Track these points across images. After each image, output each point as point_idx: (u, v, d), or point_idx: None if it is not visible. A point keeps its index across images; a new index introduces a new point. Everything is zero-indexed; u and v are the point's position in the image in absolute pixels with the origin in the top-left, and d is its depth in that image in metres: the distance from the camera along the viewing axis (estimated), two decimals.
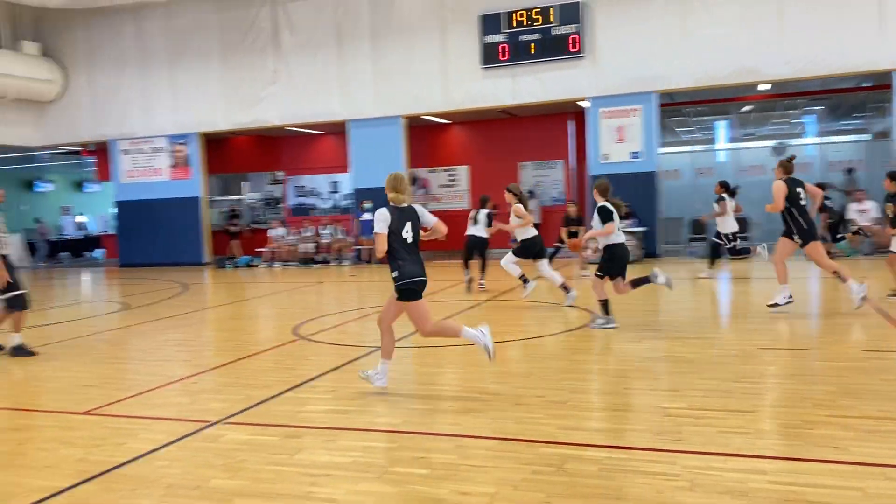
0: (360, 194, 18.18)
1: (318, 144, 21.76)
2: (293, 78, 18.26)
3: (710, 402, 5.03)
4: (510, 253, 10.40)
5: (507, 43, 16.44)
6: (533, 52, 16.31)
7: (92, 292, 15.66)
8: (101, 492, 3.89)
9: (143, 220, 20.15)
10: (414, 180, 20.10)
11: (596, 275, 8.02)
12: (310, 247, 18.64)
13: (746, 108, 20.26)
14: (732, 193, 12.24)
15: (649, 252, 15.78)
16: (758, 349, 6.70)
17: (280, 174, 22.58)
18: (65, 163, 28.36)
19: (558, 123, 19.23)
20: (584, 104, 16.83)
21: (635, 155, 16.18)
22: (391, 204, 5.54)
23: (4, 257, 7.73)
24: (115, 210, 21.14)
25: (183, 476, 4.06)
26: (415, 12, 17.18)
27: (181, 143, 19.68)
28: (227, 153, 22.45)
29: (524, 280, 10.31)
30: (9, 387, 6.63)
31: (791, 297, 8.35)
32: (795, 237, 8.21)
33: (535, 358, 6.84)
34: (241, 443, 4.59)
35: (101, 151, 22.27)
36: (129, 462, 4.32)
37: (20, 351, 7.87)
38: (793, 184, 8.17)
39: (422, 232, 5.61)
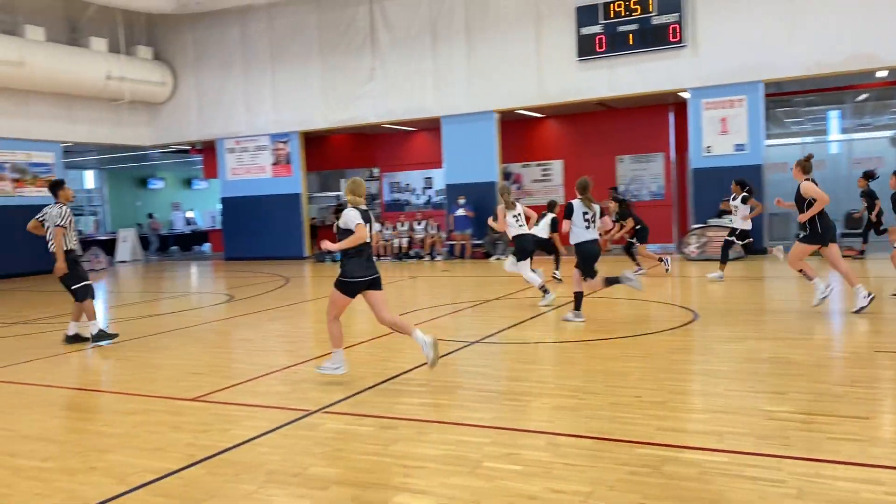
0: (454, 190, 18.28)
1: (413, 141, 22.03)
2: (389, 75, 18.55)
3: (819, 406, 4.78)
4: (512, 257, 10.24)
5: (604, 34, 16.12)
6: (631, 42, 15.93)
7: (199, 284, 16.44)
8: (206, 475, 4.07)
9: (247, 216, 20.98)
10: (507, 176, 20.03)
11: (576, 267, 8.41)
12: (403, 242, 18.91)
13: (862, 96, 19.09)
14: (751, 191, 11.90)
15: (756, 248, 15.02)
16: (872, 352, 6.31)
17: (375, 170, 23.01)
18: (175, 161, 29.89)
19: (657, 115, 18.72)
20: (684, 95, 16.30)
21: (740, 147, 15.55)
22: (353, 205, 5.94)
23: (71, 251, 8.32)
24: (221, 206, 22.11)
25: (283, 462, 4.20)
26: (510, 6, 17.11)
27: (282, 142, 20.36)
28: (325, 151, 23.07)
29: (544, 290, 9.87)
30: (124, 373, 7.05)
31: (829, 285, 8.37)
32: (812, 239, 8.25)
33: (633, 357, 6.68)
34: (339, 432, 4.71)
35: (208, 150, 23.34)
36: (233, 448, 4.51)
37: (101, 336, 8.41)
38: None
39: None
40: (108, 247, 23.48)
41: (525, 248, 10.08)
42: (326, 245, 5.96)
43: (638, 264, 12.93)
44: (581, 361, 6.51)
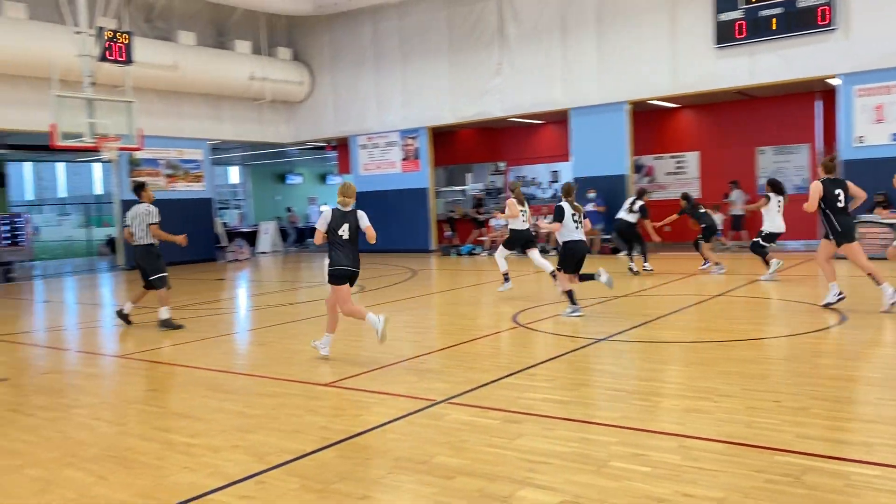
0: (582, 183, 17.97)
1: (540, 134, 21.86)
2: (516, 69, 18.49)
3: None
4: (501, 246, 11.07)
5: (745, 19, 15.29)
6: (774, 27, 15.02)
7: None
8: (339, 458, 4.24)
9: (377, 210, 21.51)
10: (639, 168, 19.47)
11: (556, 268, 9.06)
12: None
13: None
14: (781, 192, 11.75)
15: None
16: None
17: (502, 164, 23.02)
18: (311, 157, 31.24)
19: (803, 104, 17.57)
20: (833, 82, 15.19)
21: None
22: (337, 207, 6.87)
23: (151, 245, 9.35)
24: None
25: (410, 450, 4.30)
26: None
27: (411, 137, 20.78)
28: (452, 145, 23.33)
29: (506, 278, 10.88)
30: (264, 357, 7.46)
31: (842, 293, 8.38)
32: (831, 238, 8.36)
33: (772, 360, 6.33)
34: (464, 423, 4.77)
35: (341, 146, 24.21)
36: (363, 433, 4.67)
37: (167, 324, 9.19)
38: (831, 184, 8.32)
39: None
40: (251, 238, 24.91)
41: (518, 240, 10.91)
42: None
43: (713, 262, 12.92)
44: (715, 362, 6.23)
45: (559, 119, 19.52)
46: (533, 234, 11.37)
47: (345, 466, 4.10)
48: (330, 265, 6.91)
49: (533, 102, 18.38)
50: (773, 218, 11.63)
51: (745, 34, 15.33)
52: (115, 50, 13.57)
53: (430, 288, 12.96)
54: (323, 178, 36.76)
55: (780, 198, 11.69)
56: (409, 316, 9.75)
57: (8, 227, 18.50)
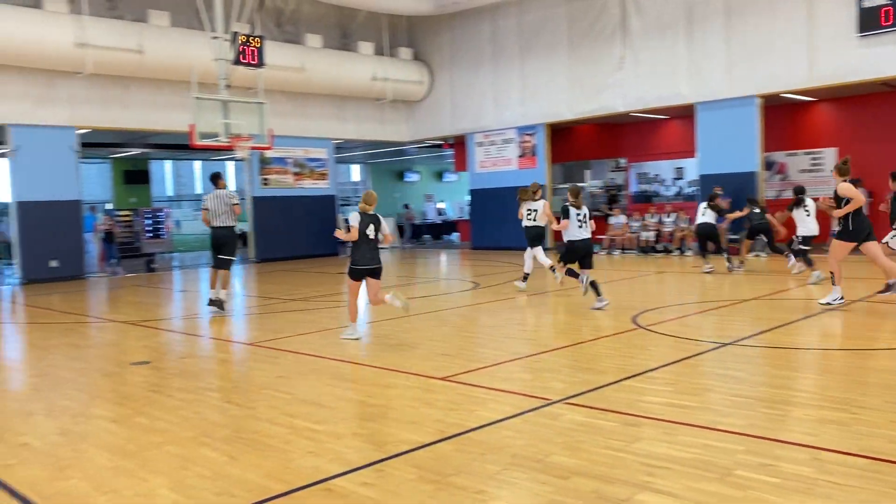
0: (708, 181, 17.28)
1: (663, 129, 21.19)
2: (639, 63, 18.01)
3: None
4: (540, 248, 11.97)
5: (893, 5, 14.18)
6: None
7: (448, 271, 17.31)
8: (455, 452, 4.29)
9: (494, 207, 21.64)
10: (770, 165, 18.50)
11: (559, 261, 9.96)
12: (651, 235, 18.29)
13: None
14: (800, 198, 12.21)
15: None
16: None
17: (622, 161, 22.49)
18: (429, 155, 31.72)
19: None
20: None
21: None
22: (361, 211, 7.79)
23: (233, 227, 10.41)
24: (469, 197, 23.05)
25: (526, 448, 4.29)
26: None
27: (529, 134, 20.68)
28: (570, 141, 23.01)
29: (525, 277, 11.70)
30: (383, 350, 7.65)
31: (842, 297, 8.65)
32: (845, 238, 8.56)
33: None
34: (580, 424, 4.70)
35: (458, 144, 24.42)
36: (479, 428, 4.70)
37: (219, 304, 10.19)
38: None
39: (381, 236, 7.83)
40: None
41: (535, 237, 11.79)
42: (338, 234, 7.85)
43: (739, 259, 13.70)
44: (853, 372, 5.84)
45: (684, 114, 18.85)
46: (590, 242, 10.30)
47: (461, 460, 4.15)
48: (351, 263, 7.87)
49: (656, 97, 17.84)
50: (805, 222, 12.18)
51: (892, 20, 14.22)
52: (248, 53, 14.32)
53: (546, 286, 12.86)
54: (440, 175, 37.25)
55: (808, 201, 12.27)
56: (523, 314, 9.72)
57: (150, 221, 19.93)
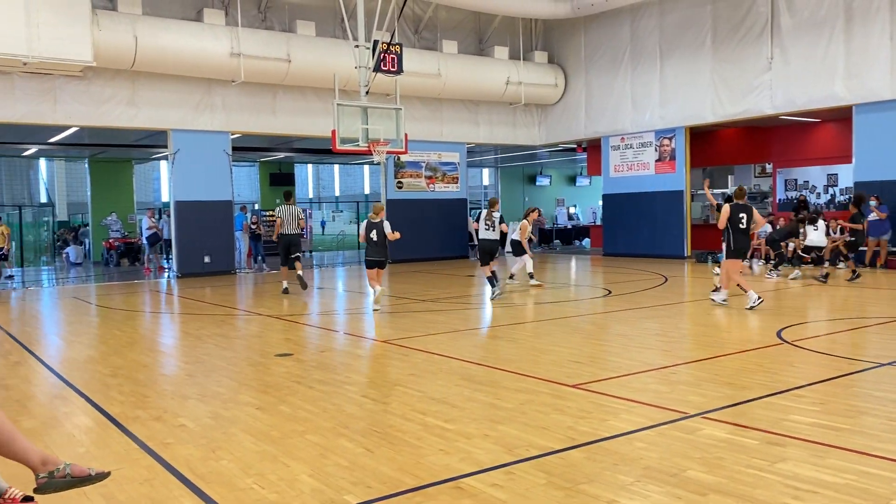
0: (865, 188, 16.05)
1: (814, 133, 19.89)
2: (789, 63, 16.99)
3: None
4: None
5: None
6: None
7: (579, 277, 17.05)
8: (586, 460, 4.23)
9: (628, 213, 21.12)
10: None
11: (479, 260, 12.42)
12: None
13: None
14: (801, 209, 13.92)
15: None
16: None
17: (768, 166, 21.31)
18: (561, 159, 31.41)
19: None
20: None
21: None
22: (369, 219, 11.03)
23: (298, 235, 13.88)
24: (602, 202, 22.61)
25: (660, 461, 4.16)
26: None
27: (668, 138, 20.03)
28: (712, 145, 22.05)
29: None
30: (514, 354, 7.66)
31: (726, 300, 10.37)
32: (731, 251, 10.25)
33: None
34: (719, 440, 4.50)
35: (592, 148, 24.03)
36: (610, 438, 4.61)
37: (302, 280, 13.49)
38: (737, 209, 10.07)
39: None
40: (500, 238, 25.66)
41: (491, 250, 12.68)
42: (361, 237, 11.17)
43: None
44: None
45: (839, 117, 17.63)
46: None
47: (591, 468, 4.08)
48: (365, 256, 11.26)
49: (809, 99, 16.76)
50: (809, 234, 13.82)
51: None
52: (388, 61, 14.76)
53: (683, 296, 12.40)
54: (572, 179, 36.77)
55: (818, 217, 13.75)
56: (660, 324, 9.41)
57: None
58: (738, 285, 10.41)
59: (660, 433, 4.70)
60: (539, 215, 29.83)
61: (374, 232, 10.78)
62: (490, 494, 3.75)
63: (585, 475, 3.98)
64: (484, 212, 12.68)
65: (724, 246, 10.44)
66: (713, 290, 11.08)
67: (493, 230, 12.50)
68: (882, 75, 15.51)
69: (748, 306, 9.91)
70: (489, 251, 12.40)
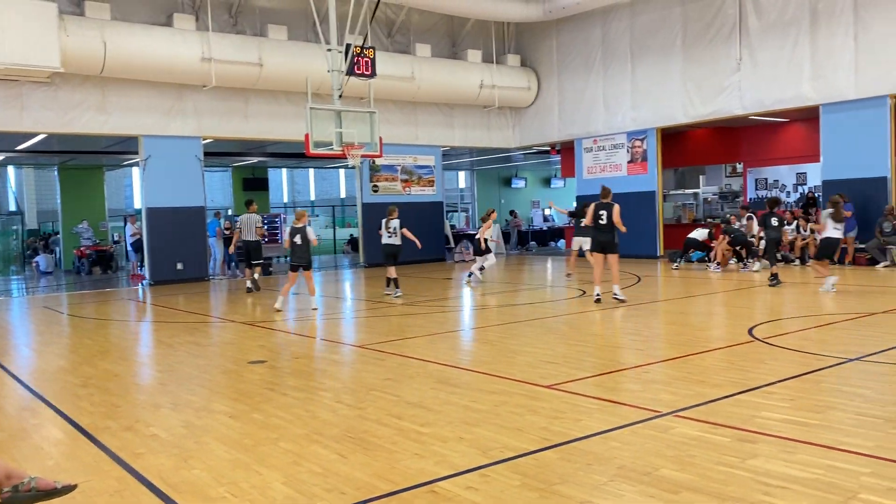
0: (832, 186, 16.33)
1: (783, 133, 20.20)
2: (758, 64, 17.24)
3: None
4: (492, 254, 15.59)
5: None
6: None
7: (554, 278, 17.13)
8: (560, 460, 4.25)
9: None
10: None
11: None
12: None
13: None
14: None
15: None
16: None
17: (739, 166, 21.60)
18: (536, 161, 31.56)
19: None
20: None
21: None
22: (293, 225, 11.65)
23: (259, 241, 14.55)
24: (576, 204, 22.74)
25: (633, 460, 4.20)
26: None
27: (639, 139, 20.21)
28: (683, 146, 22.31)
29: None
30: (488, 356, 7.68)
31: (598, 296, 11.05)
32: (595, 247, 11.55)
33: None
34: (691, 438, 4.55)
35: (566, 150, 24.18)
36: (584, 438, 4.64)
37: (256, 286, 14.73)
38: (598, 207, 11.33)
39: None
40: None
41: (392, 254, 13.55)
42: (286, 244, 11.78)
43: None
44: None
45: (806, 116, 17.93)
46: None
47: (566, 469, 4.10)
48: (290, 261, 11.80)
49: (777, 99, 17.02)
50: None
51: None
52: (362, 64, 14.73)
53: (656, 295, 12.51)
54: (547, 181, 36.97)
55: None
56: (633, 323, 9.49)
57: (267, 227, 20.82)
58: (598, 278, 11.39)
59: (633, 432, 4.74)
60: (515, 217, 30.05)
61: (298, 236, 11.39)
62: (465, 497, 3.75)
63: (559, 476, 3.99)
64: (384, 220, 13.58)
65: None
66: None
67: (395, 236, 13.45)
68: (847, 75, 15.79)
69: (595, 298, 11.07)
70: (391, 254, 13.45)
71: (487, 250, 15.42)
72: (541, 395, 5.76)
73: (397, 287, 13.30)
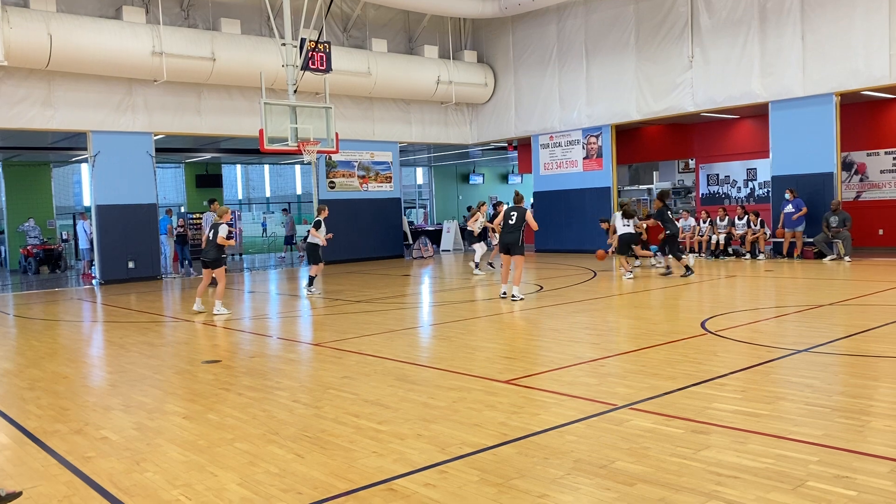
0: (781, 182, 16.75)
1: (733, 129, 20.64)
2: (709, 62, 17.59)
3: None
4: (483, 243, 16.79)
5: None
6: None
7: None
8: (517, 455, 4.27)
9: (558, 210, 21.46)
10: (848, 166, 17.81)
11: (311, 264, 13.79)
12: (721, 238, 17.81)
13: None
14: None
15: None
16: None
17: (691, 162, 22.00)
18: (493, 158, 31.69)
19: None
20: None
21: None
22: (214, 220, 11.57)
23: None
24: (533, 200, 22.91)
25: (590, 453, 4.24)
26: None
27: (594, 136, 20.44)
28: (637, 143, 22.64)
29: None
30: (446, 352, 7.68)
31: (504, 294, 11.73)
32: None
33: None
34: (646, 430, 4.62)
35: (523, 146, 24.34)
36: (542, 432, 4.67)
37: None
38: (509, 210, 11.60)
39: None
40: (435, 237, 25.74)
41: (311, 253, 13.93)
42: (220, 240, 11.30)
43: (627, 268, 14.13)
44: None
45: (756, 113, 18.35)
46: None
47: (523, 463, 4.12)
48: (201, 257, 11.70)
49: (728, 96, 17.39)
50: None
51: None
52: (317, 59, 14.58)
53: (611, 290, 12.68)
54: (504, 177, 37.16)
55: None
56: (589, 318, 9.60)
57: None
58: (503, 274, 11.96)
59: (589, 425, 4.78)
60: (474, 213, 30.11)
61: (212, 233, 11.34)
62: (423, 494, 3.74)
63: (517, 470, 4.01)
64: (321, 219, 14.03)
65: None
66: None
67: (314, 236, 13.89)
68: (795, 73, 16.20)
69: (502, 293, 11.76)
70: (312, 251, 13.81)
71: (479, 239, 16.68)
72: (499, 391, 5.78)
73: (313, 283, 13.61)
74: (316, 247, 13.60)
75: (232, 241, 11.52)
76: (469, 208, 30.85)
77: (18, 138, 19.00)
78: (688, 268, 13.79)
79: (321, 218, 13.81)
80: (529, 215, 11.61)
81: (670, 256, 14.13)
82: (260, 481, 4.02)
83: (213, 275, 11.51)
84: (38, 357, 8.24)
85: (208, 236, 11.50)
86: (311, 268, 13.73)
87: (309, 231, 13.98)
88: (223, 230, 11.23)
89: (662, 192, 14.71)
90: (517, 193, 12.40)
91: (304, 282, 14.20)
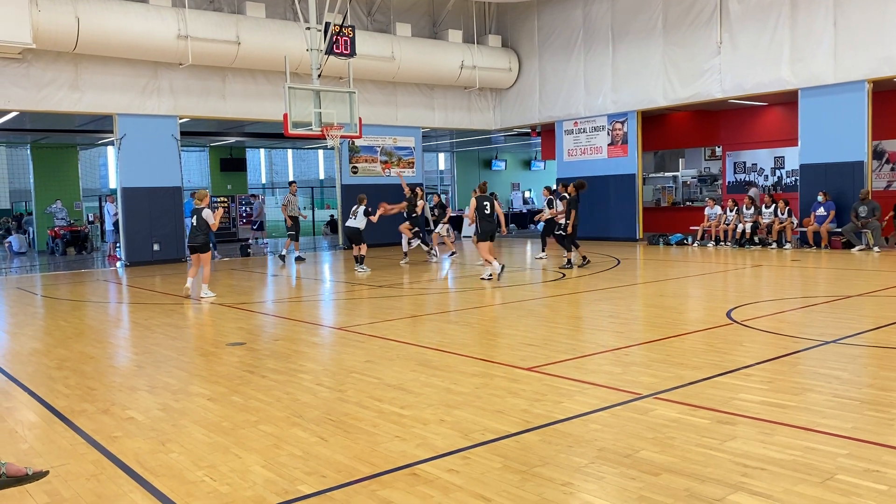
0: (810, 170, 16.47)
1: (762, 117, 20.31)
2: (738, 48, 17.29)
3: None
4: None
5: None
6: None
7: (533, 261, 17.15)
8: (541, 443, 4.26)
9: (581, 196, 21.12)
10: (879, 155, 17.46)
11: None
12: (747, 227, 17.58)
13: None
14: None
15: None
16: None
17: (718, 149, 21.71)
18: (516, 143, 31.50)
19: None
20: None
21: None
22: (195, 205, 11.36)
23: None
24: (556, 186, 22.75)
25: (614, 442, 4.21)
26: None
27: (620, 122, 20.23)
28: (663, 129, 22.37)
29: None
30: (468, 338, 7.67)
31: (490, 276, 12.12)
32: (479, 235, 12.31)
33: None
34: (671, 420, 4.58)
35: (547, 132, 24.15)
36: (565, 420, 4.64)
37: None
38: (481, 199, 12.13)
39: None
40: (456, 223, 25.68)
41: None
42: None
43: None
44: None
45: (785, 100, 18.02)
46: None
47: (547, 451, 4.11)
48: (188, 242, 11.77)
49: (757, 83, 17.09)
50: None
51: None
52: (341, 43, 14.55)
53: (636, 278, 12.58)
54: (527, 164, 36.95)
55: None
56: (613, 306, 9.53)
57: (245, 207, 20.62)
58: (486, 260, 12.24)
59: (613, 414, 4.75)
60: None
61: (196, 218, 11.22)
62: (446, 480, 3.74)
63: (540, 458, 4.00)
64: (354, 206, 14.87)
65: (473, 230, 12.60)
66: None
67: (356, 219, 14.67)
68: (826, 60, 15.88)
69: (483, 277, 12.21)
70: (352, 236, 14.70)
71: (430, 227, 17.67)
72: (521, 378, 5.76)
73: (360, 263, 14.48)
74: (359, 230, 14.70)
75: (215, 224, 11.44)
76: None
77: (46, 121, 19.21)
78: (569, 261, 13.85)
79: (365, 205, 14.90)
80: (499, 205, 12.54)
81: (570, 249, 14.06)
82: (283, 464, 4.05)
83: (200, 260, 11.48)
84: (66, 337, 8.36)
85: (192, 223, 11.36)
86: (360, 248, 14.60)
87: (364, 217, 14.80)
88: (207, 214, 11.14)
89: (580, 183, 14.64)
90: (483, 183, 12.92)
91: (329, 265, 14.87)
